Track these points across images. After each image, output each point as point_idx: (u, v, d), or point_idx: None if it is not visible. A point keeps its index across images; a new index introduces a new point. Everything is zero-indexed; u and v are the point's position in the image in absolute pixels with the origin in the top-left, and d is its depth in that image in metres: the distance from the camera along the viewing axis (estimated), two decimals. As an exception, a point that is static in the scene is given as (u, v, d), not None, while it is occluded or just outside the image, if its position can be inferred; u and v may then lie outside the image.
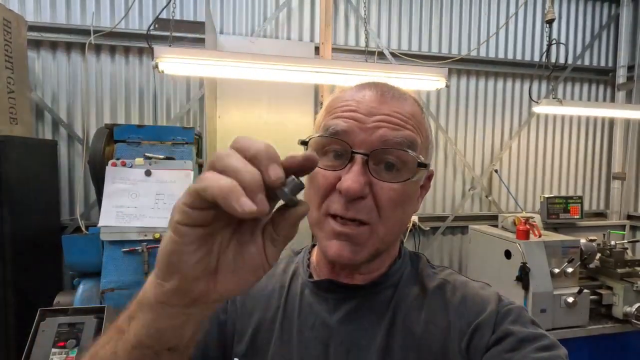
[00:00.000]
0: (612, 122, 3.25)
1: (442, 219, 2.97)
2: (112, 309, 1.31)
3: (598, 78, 3.23)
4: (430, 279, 0.58)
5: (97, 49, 2.40)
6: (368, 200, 0.48)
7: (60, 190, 2.34)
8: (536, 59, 3.05)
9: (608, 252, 2.25)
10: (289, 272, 0.63)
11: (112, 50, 2.44)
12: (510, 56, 3.04)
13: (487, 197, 3.06)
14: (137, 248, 1.44)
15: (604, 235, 2.37)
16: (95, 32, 2.30)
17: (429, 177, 0.58)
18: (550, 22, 2.13)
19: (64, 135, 2.39)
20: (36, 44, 2.30)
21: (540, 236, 2.14)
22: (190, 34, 2.42)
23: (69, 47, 2.38)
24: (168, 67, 1.64)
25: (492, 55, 3.00)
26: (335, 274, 0.57)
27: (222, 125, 2.47)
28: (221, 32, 2.56)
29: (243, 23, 2.61)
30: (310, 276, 0.60)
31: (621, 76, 3.16)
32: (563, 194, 3.08)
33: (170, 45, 1.74)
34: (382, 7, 2.82)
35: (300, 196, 0.35)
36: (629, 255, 2.43)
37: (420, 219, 2.87)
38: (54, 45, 2.36)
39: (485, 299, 0.52)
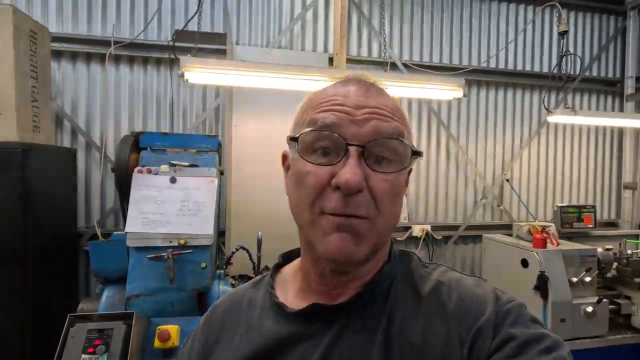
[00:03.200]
0: (621, 132, 3.27)
1: (454, 228, 2.98)
2: (139, 315, 1.31)
3: (606, 89, 3.27)
4: (424, 281, 0.53)
5: (116, 59, 2.45)
6: (365, 194, 0.46)
7: (77, 197, 2.36)
8: (545, 70, 3.10)
9: (625, 261, 2.24)
10: (256, 308, 0.57)
11: (131, 60, 2.49)
12: (520, 67, 3.08)
13: (498, 206, 3.07)
14: (162, 254, 1.44)
15: (619, 244, 2.37)
16: (115, 42, 2.34)
17: (409, 172, 0.55)
18: (563, 34, 2.17)
19: (82, 143, 2.42)
20: (57, 54, 2.35)
21: (557, 245, 2.14)
22: (210, 45, 2.46)
23: (89, 57, 2.42)
24: (193, 77, 1.67)
25: (502, 66, 3.05)
26: (326, 283, 0.52)
27: (237, 135, 2.49)
28: (237, 43, 2.61)
29: (259, 34, 2.66)
30: (280, 307, 0.54)
31: (629, 87, 3.20)
32: (574, 203, 3.08)
33: (195, 56, 1.77)
34: (395, 18, 2.88)
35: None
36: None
37: (433, 228, 2.87)
38: (74, 56, 2.41)
39: (482, 299, 0.49)
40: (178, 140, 1.64)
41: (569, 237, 2.64)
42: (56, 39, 2.29)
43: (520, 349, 0.42)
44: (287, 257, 0.64)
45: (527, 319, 0.46)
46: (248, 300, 0.59)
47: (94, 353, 1.16)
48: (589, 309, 2.01)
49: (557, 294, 2.01)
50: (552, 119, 2.31)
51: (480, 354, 0.44)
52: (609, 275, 2.28)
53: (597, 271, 2.13)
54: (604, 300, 2.05)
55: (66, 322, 1.22)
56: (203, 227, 1.51)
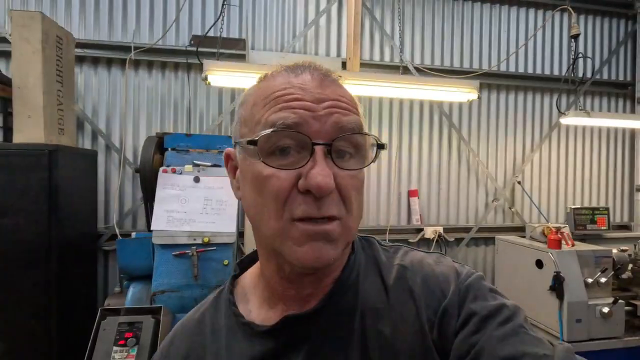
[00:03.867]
0: (633, 134, 3.27)
1: (467, 230, 2.99)
2: (167, 309, 1.34)
3: (617, 91, 3.27)
4: (388, 268, 0.52)
5: (136, 64, 2.52)
6: (334, 193, 0.43)
7: (97, 198, 2.41)
8: (556, 72, 3.12)
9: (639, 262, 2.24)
10: (221, 334, 0.52)
11: (150, 65, 2.55)
12: (530, 70, 3.11)
13: (510, 208, 3.08)
14: (187, 251, 1.48)
15: (635, 246, 2.36)
16: (135, 48, 2.41)
17: None
18: (575, 37, 2.20)
19: (102, 145, 2.48)
20: (79, 59, 2.42)
21: (573, 245, 2.15)
22: (229, 50, 2.53)
23: (109, 62, 2.49)
24: (215, 80, 1.73)
25: (512, 69, 3.07)
26: (293, 287, 0.49)
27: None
28: (252, 48, 2.67)
29: (273, 39, 2.72)
30: (249, 325, 0.50)
31: (641, 90, 3.21)
32: (586, 205, 3.08)
33: (217, 59, 1.83)
34: (406, 23, 2.92)
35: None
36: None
37: (445, 230, 2.89)
38: (95, 61, 2.49)
39: (445, 278, 0.49)
40: (201, 141, 1.69)
41: (582, 239, 2.63)
42: (79, 44, 2.36)
43: (481, 323, 0.43)
44: (243, 266, 0.60)
45: (486, 292, 0.47)
46: (210, 325, 0.54)
47: (124, 345, 1.19)
48: (605, 309, 2.01)
49: (573, 294, 2.02)
50: (565, 120, 2.33)
51: (448, 334, 0.45)
52: (624, 276, 2.28)
53: (613, 272, 2.13)
54: (620, 301, 2.05)
55: (98, 315, 1.26)
56: (226, 225, 1.55)
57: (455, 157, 3.01)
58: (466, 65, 3.01)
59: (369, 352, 0.45)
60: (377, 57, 2.88)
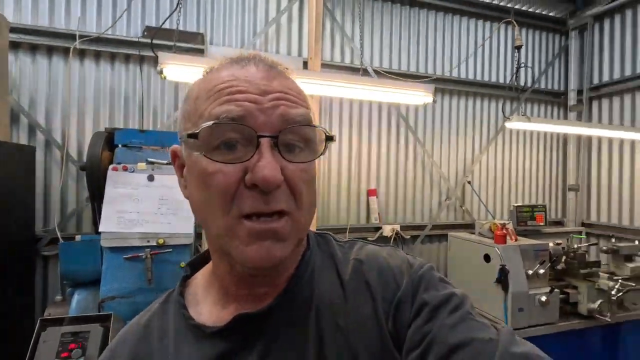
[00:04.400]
0: (565, 139, 3.62)
1: (422, 227, 3.12)
2: (117, 317, 1.26)
3: (553, 100, 3.60)
4: (343, 263, 0.52)
5: (81, 53, 2.33)
6: (283, 187, 0.42)
7: (34, 198, 2.20)
8: (501, 80, 3.37)
9: (572, 254, 2.48)
10: (168, 337, 0.49)
11: (97, 55, 2.38)
12: (479, 77, 3.32)
13: (461, 207, 3.27)
14: (140, 254, 1.40)
15: (567, 239, 2.61)
16: (81, 37, 2.24)
17: None
18: (518, 48, 2.39)
19: (41, 141, 2.27)
20: (14, 46, 2.20)
21: (516, 240, 2.33)
22: (186, 43, 2.43)
23: (50, 50, 2.29)
24: (171, 74, 1.65)
25: (463, 76, 3.26)
26: (247, 287, 0.48)
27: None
28: (211, 43, 2.59)
29: (233, 36, 2.66)
30: (199, 328, 0.48)
31: (572, 99, 3.56)
32: (527, 203, 3.36)
33: (174, 52, 1.74)
34: (366, 26, 2.99)
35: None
36: (589, 257, 2.69)
37: (402, 228, 3.00)
38: (33, 48, 2.27)
39: (398, 270, 0.50)
40: (156, 138, 1.60)
41: (524, 234, 2.87)
42: (13, 29, 2.14)
43: (433, 313, 0.44)
44: (194, 266, 0.58)
45: (437, 282, 0.49)
46: (158, 328, 0.51)
47: (69, 357, 1.10)
48: (543, 298, 2.19)
49: (516, 285, 2.19)
50: (509, 125, 2.52)
51: (402, 324, 0.45)
52: (558, 267, 2.51)
53: (549, 264, 2.34)
54: (555, 290, 2.25)
55: (36, 326, 1.14)
56: (183, 226, 1.49)
57: (412, 158, 3.13)
58: (422, 70, 3.14)
59: (325, 348, 0.45)
60: (337, 59, 2.92)
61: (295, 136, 0.44)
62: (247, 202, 0.41)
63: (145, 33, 2.38)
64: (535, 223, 2.96)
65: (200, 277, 0.56)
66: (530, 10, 3.42)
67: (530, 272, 2.26)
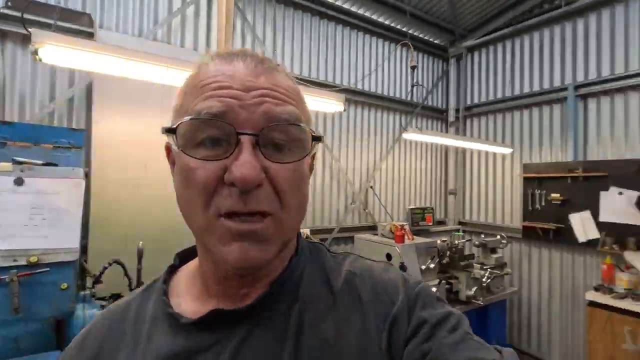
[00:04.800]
0: (447, 150, 4.21)
1: (330, 230, 3.24)
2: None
3: (437, 116, 4.16)
4: (336, 273, 0.51)
5: None
6: (266, 187, 0.41)
7: None
8: (398, 95, 3.74)
9: (454, 249, 2.88)
10: (145, 320, 0.49)
11: None
12: (380, 91, 3.63)
13: (364, 210, 3.50)
14: (2, 277, 1.11)
15: (450, 237, 3.03)
16: None
17: (313, 156, 0.51)
18: (413, 68, 2.69)
19: None
20: None
21: (412, 239, 2.59)
22: (66, 22, 2.05)
23: None
24: (49, 56, 1.37)
25: (366, 88, 3.53)
26: (229, 285, 0.47)
27: (100, 133, 2.13)
28: (101, 27, 2.25)
29: (129, 22, 2.36)
30: (175, 317, 0.47)
31: (452, 116, 4.17)
32: (419, 205, 3.79)
33: (53, 31, 1.45)
34: (277, 30, 2.99)
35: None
36: (466, 251, 3.16)
37: (312, 232, 3.06)
38: None
39: (393, 286, 0.49)
40: (27, 132, 1.30)
41: (417, 233, 3.22)
42: None
43: (432, 331, 0.44)
44: (184, 257, 0.56)
45: (434, 300, 0.48)
46: (135, 311, 0.50)
47: None
48: (434, 289, 2.49)
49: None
50: (406, 135, 2.82)
51: (398, 341, 0.44)
52: (444, 261, 2.88)
53: (438, 259, 2.67)
54: (442, 281, 2.58)
55: None
56: (65, 240, 1.24)
57: (320, 163, 3.24)
58: (330, 79, 3.29)
59: (301, 355, 0.43)
60: (248, 60, 2.84)
61: (283, 135, 0.43)
62: (226, 201, 0.40)
63: (10, 4, 1.94)
64: (425, 223, 3.36)
65: (186, 270, 0.54)
66: (421, 35, 3.90)
67: (424, 267, 2.54)
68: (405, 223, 2.80)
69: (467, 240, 3.28)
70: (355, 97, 3.42)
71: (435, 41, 4.05)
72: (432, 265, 2.59)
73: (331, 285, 0.49)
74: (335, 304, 0.47)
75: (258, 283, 0.47)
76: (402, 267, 2.41)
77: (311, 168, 0.50)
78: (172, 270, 0.55)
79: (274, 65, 0.47)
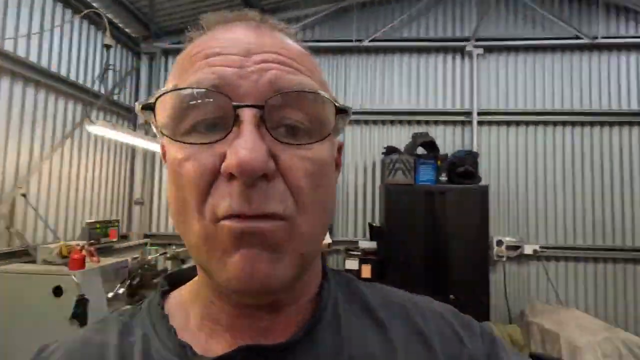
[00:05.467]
0: (134, 153, 3.74)
1: None
2: None
3: (124, 114, 3.62)
4: (380, 305, 0.41)
5: None
6: (277, 182, 0.30)
7: None
8: (74, 78, 2.91)
9: (146, 266, 2.55)
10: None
11: None
12: (44, 65, 2.66)
13: (8, 229, 2.39)
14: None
15: (142, 252, 2.66)
16: None
17: (339, 149, 0.40)
18: (107, 47, 2.16)
19: None
20: None
21: (99, 261, 2.03)
22: None
23: None
24: None
25: (23, 54, 2.48)
26: (242, 318, 0.35)
27: None
28: None
29: None
30: (184, 347, 0.34)
31: (142, 118, 3.75)
32: (100, 219, 3.09)
33: None
34: None
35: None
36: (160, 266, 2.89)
37: None
38: None
39: (455, 321, 0.42)
40: None
41: (98, 253, 2.58)
42: None
43: None
44: (172, 282, 0.43)
45: (510, 349, 0.43)
46: (116, 350, 0.35)
47: None
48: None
49: (96, 315, 1.89)
50: (92, 128, 2.20)
51: None
52: (134, 282, 2.48)
53: (129, 281, 2.25)
54: (130, 306, 2.19)
55: None
56: None
57: None
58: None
59: None
60: None
61: (294, 110, 0.31)
62: (224, 200, 0.29)
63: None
64: (109, 239, 2.77)
65: (178, 296, 0.41)
66: (109, 16, 3.25)
67: (111, 294, 2.06)
68: (84, 242, 2.16)
69: (161, 254, 3.03)
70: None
71: (127, 29, 3.55)
72: (121, 290, 2.14)
73: (379, 320, 0.40)
74: (393, 344, 0.38)
75: (280, 312, 0.36)
76: (82, 302, 1.82)
77: (340, 165, 0.39)
78: (164, 294, 0.41)
79: (282, 27, 0.37)
